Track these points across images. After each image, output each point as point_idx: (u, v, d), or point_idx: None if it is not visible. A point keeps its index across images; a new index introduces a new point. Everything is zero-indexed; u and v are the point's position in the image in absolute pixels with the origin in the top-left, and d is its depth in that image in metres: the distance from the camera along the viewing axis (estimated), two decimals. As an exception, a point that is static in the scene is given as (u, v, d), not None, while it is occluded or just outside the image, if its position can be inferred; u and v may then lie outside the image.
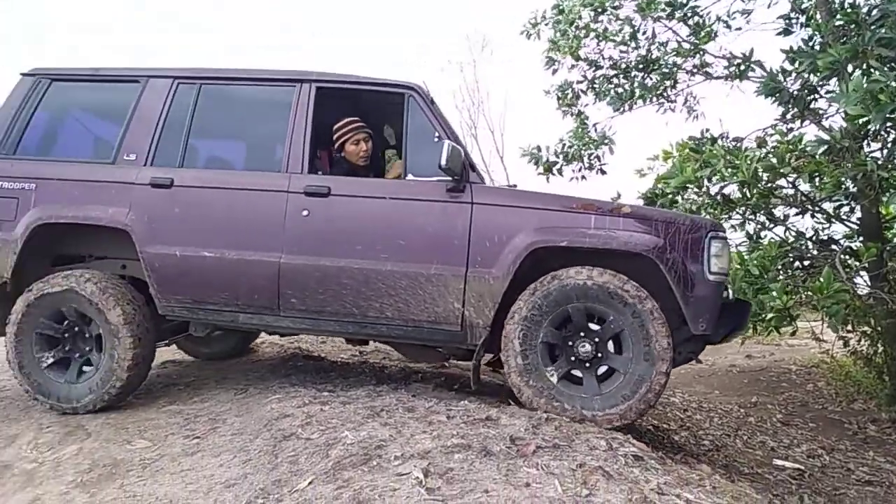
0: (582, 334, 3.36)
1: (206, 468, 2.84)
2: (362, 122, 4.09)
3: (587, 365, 3.34)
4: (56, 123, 4.15)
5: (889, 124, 4.27)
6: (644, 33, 6.84)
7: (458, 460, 2.45)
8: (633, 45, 6.89)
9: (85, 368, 3.82)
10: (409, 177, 3.65)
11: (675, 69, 6.91)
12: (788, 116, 6.10)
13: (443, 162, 3.32)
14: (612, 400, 3.24)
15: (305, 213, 3.59)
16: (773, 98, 5.71)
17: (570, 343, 3.37)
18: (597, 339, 3.34)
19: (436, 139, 3.61)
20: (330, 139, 4.12)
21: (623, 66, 7.09)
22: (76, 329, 3.81)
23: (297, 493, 2.33)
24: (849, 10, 5.13)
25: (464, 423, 2.93)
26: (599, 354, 3.33)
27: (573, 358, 3.35)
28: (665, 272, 3.30)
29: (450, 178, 3.48)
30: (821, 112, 6.00)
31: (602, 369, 3.38)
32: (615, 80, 7.18)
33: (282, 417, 3.19)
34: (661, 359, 3.19)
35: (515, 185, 3.79)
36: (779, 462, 4.33)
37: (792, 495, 3.59)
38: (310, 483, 2.38)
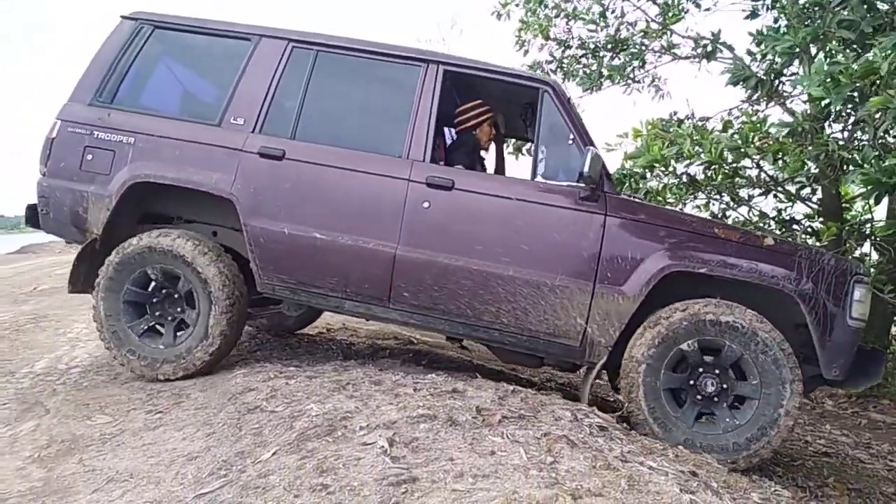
0: (708, 371, 3.20)
1: (168, 442, 2.80)
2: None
3: (714, 400, 3.20)
4: (157, 75, 3.92)
5: (849, 105, 4.34)
6: (613, 12, 6.86)
7: (424, 430, 2.45)
8: (602, 24, 6.91)
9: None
10: (538, 179, 3.51)
11: (643, 49, 6.94)
12: (754, 98, 6.18)
13: (585, 170, 3.17)
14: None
15: (426, 204, 3.42)
16: (741, 84, 5.78)
17: (696, 378, 3.21)
18: (723, 379, 3.18)
19: (570, 142, 3.45)
20: (448, 123, 4.02)
21: (592, 46, 7.11)
22: (168, 291, 3.64)
23: (261, 463, 2.31)
24: (813, -7, 5.19)
25: (430, 394, 2.93)
26: (724, 393, 3.19)
27: (700, 394, 3.21)
28: (805, 312, 3.15)
29: (584, 186, 3.31)
30: (785, 94, 6.09)
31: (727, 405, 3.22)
32: (584, 61, 7.20)
33: (246, 391, 3.15)
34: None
35: (648, 198, 3.64)
36: (739, 435, 4.42)
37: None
38: (273, 454, 2.35)
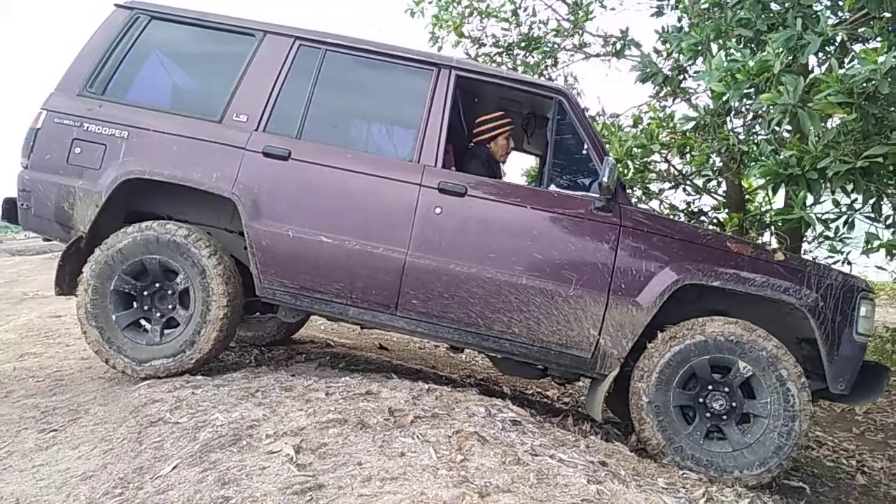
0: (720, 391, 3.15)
1: (61, 462, 2.62)
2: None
3: (724, 418, 3.14)
4: (152, 67, 3.70)
5: (747, 101, 4.54)
6: (525, 10, 6.96)
7: (333, 435, 2.39)
8: (514, 21, 7.00)
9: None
10: (552, 188, 3.44)
11: (556, 48, 7.07)
12: (661, 94, 6.40)
13: (604, 179, 3.13)
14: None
15: (438, 210, 3.33)
16: (650, 81, 5.98)
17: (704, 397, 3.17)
18: (729, 395, 3.14)
19: (585, 152, 3.41)
20: (461, 130, 3.92)
21: (505, 44, 7.18)
22: (161, 286, 3.42)
23: (160, 479, 2.20)
24: (713, -7, 5.40)
25: (343, 398, 2.87)
26: (732, 410, 3.14)
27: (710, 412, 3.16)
28: (815, 327, 3.16)
29: (599, 196, 3.27)
30: (690, 91, 6.33)
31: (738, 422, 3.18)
32: (498, 59, 7.27)
33: (150, 403, 3.00)
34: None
35: (656, 210, 3.59)
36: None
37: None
38: (174, 468, 2.25)
